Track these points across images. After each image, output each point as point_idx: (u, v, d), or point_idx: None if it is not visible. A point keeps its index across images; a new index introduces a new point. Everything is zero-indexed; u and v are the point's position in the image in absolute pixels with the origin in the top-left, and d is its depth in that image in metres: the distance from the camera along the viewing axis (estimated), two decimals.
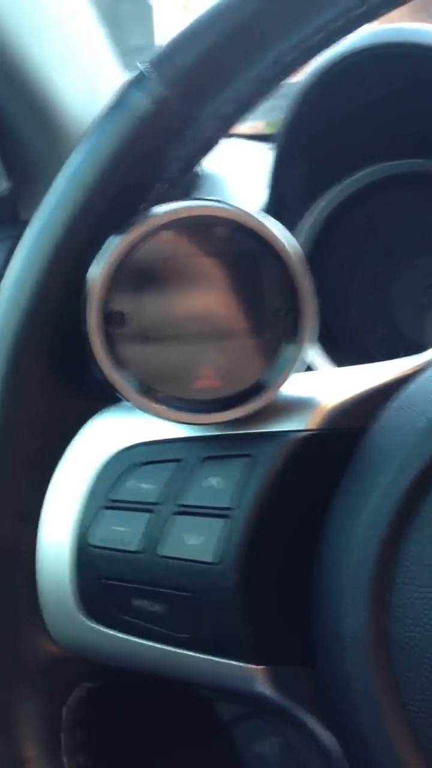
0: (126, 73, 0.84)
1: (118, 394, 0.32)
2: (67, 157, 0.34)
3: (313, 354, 0.65)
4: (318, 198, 0.66)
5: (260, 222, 0.31)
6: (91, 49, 0.81)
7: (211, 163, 0.73)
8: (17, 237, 0.76)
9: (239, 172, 0.75)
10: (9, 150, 0.74)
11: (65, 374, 0.35)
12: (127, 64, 0.85)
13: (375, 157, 0.65)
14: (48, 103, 0.73)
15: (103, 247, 0.31)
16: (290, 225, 0.65)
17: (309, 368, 0.33)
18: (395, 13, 0.36)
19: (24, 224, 0.78)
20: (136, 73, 0.34)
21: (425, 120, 0.61)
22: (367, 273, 0.69)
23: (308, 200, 0.66)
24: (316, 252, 0.66)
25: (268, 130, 0.87)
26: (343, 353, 0.65)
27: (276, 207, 0.64)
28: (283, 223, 0.31)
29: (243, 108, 0.34)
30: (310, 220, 0.66)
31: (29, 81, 0.71)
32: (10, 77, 0.70)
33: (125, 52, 0.89)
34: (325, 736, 0.32)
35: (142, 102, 0.33)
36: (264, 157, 0.81)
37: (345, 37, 0.33)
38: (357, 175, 0.67)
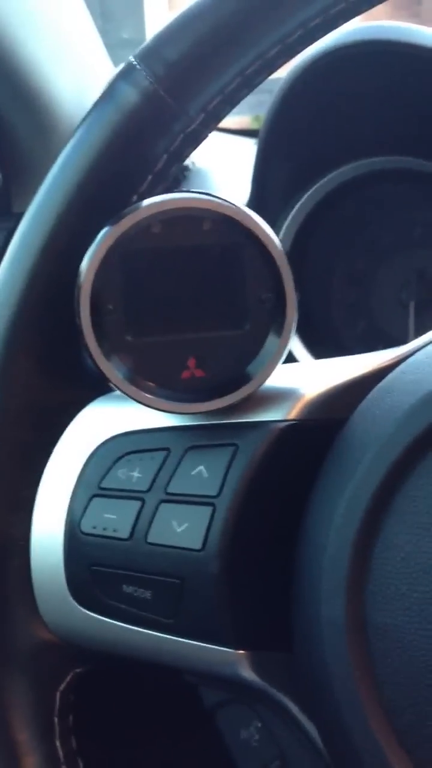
0: (116, 66, 0.84)
1: (108, 383, 0.32)
2: (58, 149, 0.35)
3: (295, 347, 0.65)
4: (300, 193, 0.67)
5: (247, 215, 0.31)
6: (82, 43, 0.81)
7: (198, 158, 0.74)
8: (10, 229, 0.76)
9: (226, 167, 0.76)
10: (1, 143, 0.74)
11: (56, 365, 0.36)
12: (118, 58, 0.85)
13: (357, 153, 0.66)
14: (40, 96, 0.73)
15: (96, 238, 0.31)
16: (273, 219, 0.66)
17: (291, 360, 0.33)
18: (378, 11, 0.37)
19: (16, 216, 0.78)
20: (125, 66, 0.34)
21: (407, 117, 0.62)
22: (347, 269, 0.69)
23: (290, 195, 0.67)
24: (297, 247, 0.67)
25: (255, 125, 0.88)
26: (323, 348, 0.66)
27: (259, 201, 0.64)
28: (265, 218, 0.32)
29: (229, 101, 0.34)
30: (292, 215, 0.67)
31: (21, 74, 0.71)
32: (2, 71, 0.70)
33: (116, 45, 0.89)
34: (304, 720, 0.33)
35: (130, 95, 0.33)
36: (250, 151, 0.82)
37: (327, 34, 0.34)
38: (338, 171, 0.67)
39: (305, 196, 0.67)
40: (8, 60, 0.71)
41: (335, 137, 0.64)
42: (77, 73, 0.80)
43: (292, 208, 0.67)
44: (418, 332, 0.67)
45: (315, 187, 0.66)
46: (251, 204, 0.65)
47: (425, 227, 0.69)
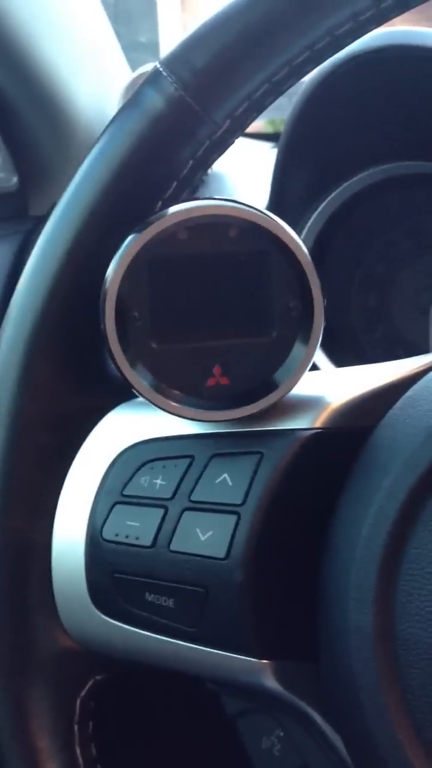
0: (132, 69, 0.84)
1: (133, 391, 0.32)
2: (75, 154, 0.35)
3: (315, 353, 0.65)
4: (320, 199, 0.67)
5: (274, 222, 0.31)
6: (99, 47, 0.82)
7: (215, 163, 0.74)
8: (27, 232, 0.76)
9: (242, 171, 0.75)
10: (18, 146, 0.74)
11: (79, 371, 0.35)
12: (133, 60, 0.86)
13: (377, 158, 0.66)
14: (58, 99, 0.73)
15: (122, 245, 0.31)
16: (292, 225, 0.66)
17: (313, 367, 0.33)
18: (399, 17, 0.36)
19: (33, 219, 0.78)
20: (151, 72, 0.34)
21: (427, 122, 0.62)
22: (367, 274, 0.69)
23: (310, 201, 0.67)
24: (316, 252, 0.67)
25: (269, 129, 0.87)
26: (342, 354, 0.66)
27: (278, 207, 0.64)
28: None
29: (256, 108, 0.34)
30: (312, 220, 0.67)
31: (40, 78, 0.71)
32: (20, 75, 0.70)
33: (130, 47, 0.89)
34: (328, 730, 0.33)
35: (156, 101, 0.33)
36: (265, 155, 0.82)
37: (356, 40, 0.34)
38: (358, 177, 0.67)
39: (325, 201, 0.66)
40: (27, 64, 0.71)
41: (356, 142, 0.64)
42: (95, 77, 0.80)
43: (312, 213, 0.67)
44: None
45: (335, 192, 0.66)
46: (270, 209, 0.65)
47: None
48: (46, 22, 0.74)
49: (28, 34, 0.71)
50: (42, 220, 0.76)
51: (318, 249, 0.67)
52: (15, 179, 0.77)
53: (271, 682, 0.32)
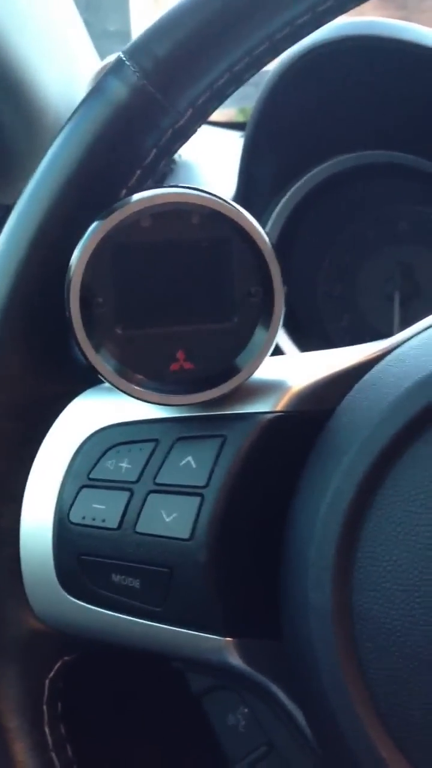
0: (102, 58, 0.84)
1: (98, 376, 0.32)
2: (44, 142, 0.35)
3: (281, 340, 0.66)
4: (286, 187, 0.67)
5: (235, 210, 0.32)
6: (68, 35, 0.81)
7: (184, 150, 0.74)
8: None
9: (212, 160, 0.76)
10: None
11: (45, 357, 0.36)
12: (103, 49, 0.85)
13: (343, 147, 0.67)
14: (25, 87, 0.73)
15: (86, 232, 0.32)
16: (259, 213, 0.66)
17: (277, 352, 0.34)
18: (365, 4, 0.37)
19: (2, 208, 0.78)
20: (114, 61, 0.34)
21: (393, 112, 0.63)
22: (333, 263, 0.70)
23: (277, 189, 0.67)
24: (283, 240, 0.67)
25: (240, 118, 0.88)
26: (309, 341, 0.66)
27: (245, 195, 0.65)
28: (251, 212, 0.32)
29: (217, 97, 0.35)
30: (279, 208, 0.67)
31: (6, 65, 0.71)
32: None
33: (101, 36, 0.89)
34: (291, 707, 0.34)
35: (119, 90, 0.34)
36: (235, 144, 0.82)
37: (314, 31, 0.35)
38: (324, 165, 0.68)
39: (291, 190, 0.67)
40: None
41: (321, 132, 0.64)
42: (63, 64, 0.80)
43: (279, 202, 0.67)
44: (403, 325, 0.67)
45: (301, 181, 0.67)
46: (237, 197, 0.65)
47: (410, 221, 0.69)
48: (14, 10, 0.73)
49: None
50: (10, 209, 0.76)
51: (285, 238, 0.67)
52: None
53: (235, 660, 0.33)
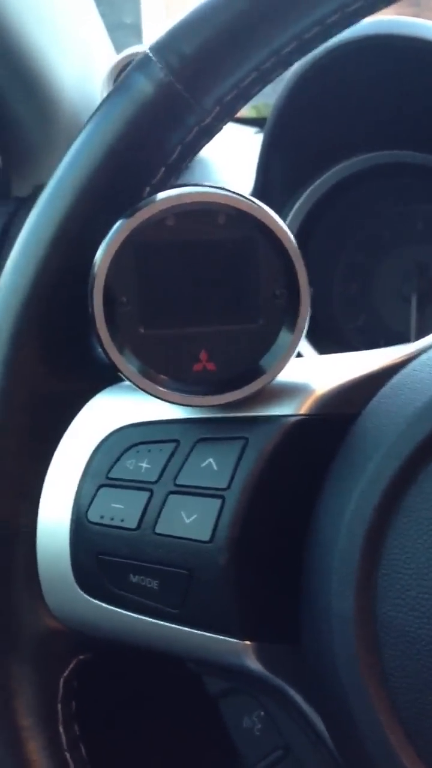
0: (115, 50, 0.84)
1: (120, 375, 0.32)
2: (59, 135, 0.35)
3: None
4: (303, 187, 0.67)
5: (262, 210, 0.31)
6: (84, 28, 0.81)
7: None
8: (10, 214, 0.75)
9: (226, 156, 0.75)
10: (2, 127, 0.73)
11: (65, 355, 0.36)
12: (116, 41, 0.85)
13: (361, 147, 0.66)
14: (42, 80, 0.73)
15: (111, 231, 0.31)
16: (276, 211, 0.66)
17: (297, 355, 0.34)
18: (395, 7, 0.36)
19: (16, 201, 0.77)
20: (140, 58, 0.34)
21: (412, 112, 0.62)
22: (349, 262, 0.70)
23: (294, 188, 0.67)
24: (300, 240, 0.67)
25: (253, 114, 0.87)
26: (324, 342, 0.66)
27: (263, 194, 0.64)
28: None
29: (244, 96, 0.34)
30: (296, 207, 0.67)
31: (23, 59, 0.71)
32: (4, 56, 0.70)
33: (116, 29, 0.88)
34: (309, 711, 0.33)
35: (146, 87, 0.33)
36: (248, 140, 0.82)
37: (343, 30, 0.34)
38: (342, 165, 0.67)
39: (309, 189, 0.67)
40: (11, 44, 0.71)
41: (340, 131, 0.64)
42: (80, 58, 0.80)
43: (296, 200, 0.67)
44: (420, 326, 0.67)
45: (319, 180, 0.67)
46: (255, 195, 0.65)
47: (427, 221, 0.69)
48: (31, 4, 0.73)
49: (12, 16, 0.70)
50: (25, 201, 0.76)
51: (301, 237, 0.67)
52: None
53: (253, 663, 0.33)
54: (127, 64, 0.71)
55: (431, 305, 0.67)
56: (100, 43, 0.84)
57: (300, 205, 0.67)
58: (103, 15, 0.88)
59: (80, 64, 0.80)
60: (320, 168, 0.66)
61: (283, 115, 0.61)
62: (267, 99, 0.64)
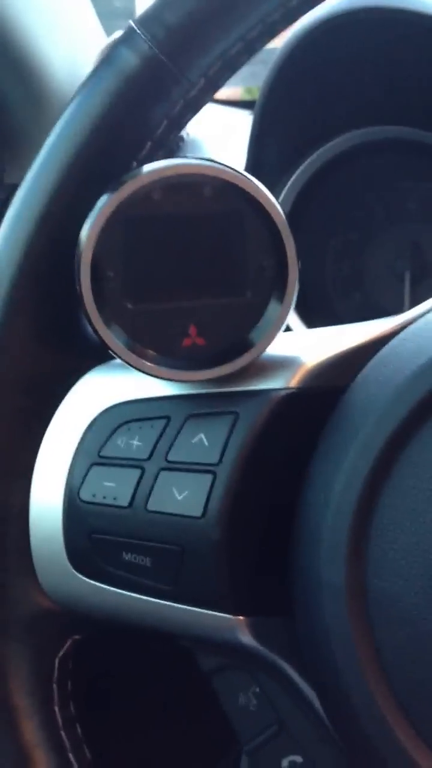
0: (108, 36, 0.83)
1: (108, 351, 0.32)
2: (51, 121, 0.34)
3: (290, 318, 0.65)
4: (295, 164, 0.67)
5: (249, 181, 0.31)
6: (74, 13, 0.81)
7: (192, 128, 0.73)
8: (3, 201, 0.75)
9: (219, 138, 0.75)
10: None
11: (55, 333, 0.36)
12: (109, 28, 0.84)
13: (352, 123, 0.66)
14: (32, 65, 0.72)
15: (96, 205, 0.31)
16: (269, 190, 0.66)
17: (286, 330, 0.34)
18: None
19: (8, 188, 0.77)
20: (125, 30, 0.34)
21: (404, 87, 0.62)
22: (342, 240, 0.69)
23: (286, 166, 0.66)
24: (292, 218, 0.66)
25: (246, 97, 0.87)
26: (317, 319, 0.66)
27: (254, 172, 0.64)
28: None
29: (229, 67, 0.34)
30: (288, 186, 0.67)
31: (13, 44, 0.70)
32: None
33: (107, 15, 0.88)
34: (303, 685, 0.33)
35: (130, 59, 0.33)
36: (242, 122, 0.81)
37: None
38: (333, 142, 0.67)
39: (301, 167, 0.66)
40: (0, 30, 0.70)
41: (331, 107, 0.64)
42: (70, 42, 0.79)
43: (288, 179, 0.66)
44: (413, 303, 0.67)
45: (310, 158, 0.66)
46: None
47: (420, 199, 0.69)
48: None
49: (2, 3, 0.70)
50: (17, 188, 0.76)
51: (293, 215, 0.66)
52: None
53: (246, 638, 0.33)
54: None
55: (424, 283, 0.67)
56: (90, 28, 0.84)
57: (292, 183, 0.66)
58: (95, 1, 0.87)
59: (70, 49, 0.79)
60: (312, 146, 0.66)
61: (272, 93, 0.60)
62: (260, 82, 0.63)
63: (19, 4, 0.72)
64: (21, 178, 0.80)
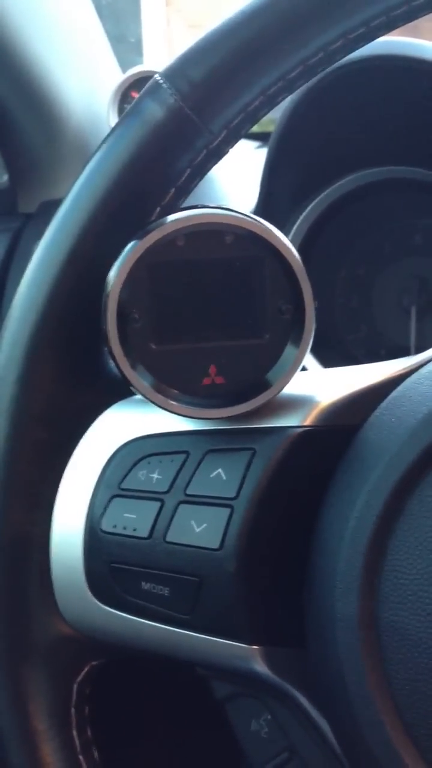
0: (120, 65, 0.85)
1: (132, 389, 0.33)
2: (65, 151, 0.36)
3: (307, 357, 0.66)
4: (306, 201, 0.68)
5: (268, 230, 0.33)
6: (89, 45, 0.82)
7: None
8: (16, 229, 0.76)
9: (228, 170, 0.76)
10: (8, 143, 0.74)
11: (78, 369, 0.37)
12: (117, 54, 0.86)
13: (361, 163, 0.67)
14: (48, 97, 0.74)
15: (123, 251, 0.32)
16: (280, 226, 0.67)
17: (302, 368, 0.35)
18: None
19: (22, 217, 0.78)
20: (150, 83, 0.35)
21: (412, 129, 0.63)
22: (350, 275, 0.71)
23: (296, 204, 0.68)
24: (302, 253, 0.68)
25: (254, 129, 0.88)
26: (327, 353, 0.67)
27: (266, 208, 0.65)
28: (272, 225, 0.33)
29: (251, 119, 0.36)
30: (299, 222, 0.68)
31: (29, 75, 0.72)
32: (11, 73, 0.71)
33: (114, 41, 0.89)
34: (315, 714, 0.34)
35: (156, 111, 0.35)
36: (250, 154, 0.83)
37: (345, 57, 0.36)
38: (343, 181, 0.68)
39: (311, 204, 0.68)
40: (18, 62, 0.72)
41: (342, 147, 0.65)
42: (85, 75, 0.81)
43: (299, 214, 0.68)
44: (419, 337, 0.68)
45: (321, 196, 0.68)
46: (259, 209, 0.66)
47: (425, 235, 0.70)
48: (38, 21, 0.74)
49: (20, 33, 0.71)
50: (31, 217, 0.77)
51: (304, 250, 0.68)
52: (5, 177, 0.78)
53: (261, 667, 0.34)
54: (132, 83, 0.72)
55: (430, 317, 0.68)
56: (105, 60, 0.85)
57: (303, 219, 0.68)
58: (106, 30, 0.89)
59: (86, 81, 0.81)
60: (322, 183, 0.67)
61: (287, 131, 0.62)
62: (270, 113, 0.65)
63: (36, 38, 0.73)
64: (34, 207, 0.81)
